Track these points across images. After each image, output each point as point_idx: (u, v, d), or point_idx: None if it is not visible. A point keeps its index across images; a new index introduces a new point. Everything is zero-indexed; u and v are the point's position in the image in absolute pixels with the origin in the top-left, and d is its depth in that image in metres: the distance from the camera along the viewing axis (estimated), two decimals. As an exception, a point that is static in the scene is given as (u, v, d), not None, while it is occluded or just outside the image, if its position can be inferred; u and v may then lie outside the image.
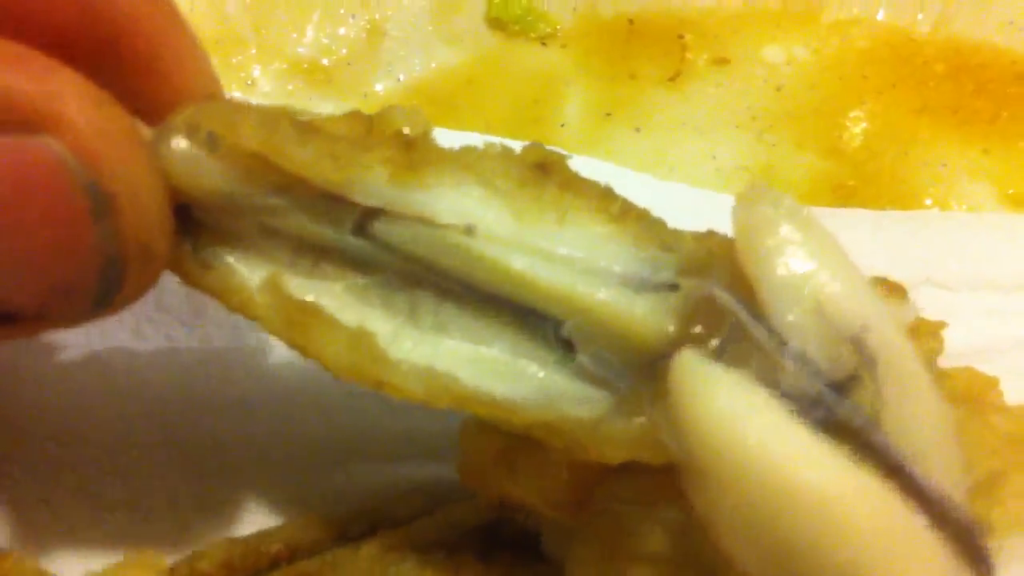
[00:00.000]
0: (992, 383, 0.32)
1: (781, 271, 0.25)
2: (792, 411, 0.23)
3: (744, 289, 0.25)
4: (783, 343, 0.24)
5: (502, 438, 0.29)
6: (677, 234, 0.27)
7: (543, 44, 0.50)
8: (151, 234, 0.25)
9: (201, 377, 0.38)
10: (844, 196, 0.46)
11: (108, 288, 0.25)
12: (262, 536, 0.33)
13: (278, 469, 0.37)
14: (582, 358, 0.27)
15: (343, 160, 0.26)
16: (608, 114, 0.48)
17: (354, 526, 0.34)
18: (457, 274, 0.27)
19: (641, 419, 0.25)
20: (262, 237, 0.28)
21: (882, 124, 0.48)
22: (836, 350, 0.24)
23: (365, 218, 0.27)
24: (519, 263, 0.26)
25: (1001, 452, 0.31)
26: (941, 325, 0.32)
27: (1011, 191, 0.46)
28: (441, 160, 0.27)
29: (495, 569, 0.32)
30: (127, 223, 0.24)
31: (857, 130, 0.48)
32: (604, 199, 0.27)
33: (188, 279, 0.28)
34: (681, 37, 0.51)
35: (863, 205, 0.45)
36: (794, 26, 0.51)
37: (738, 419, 0.23)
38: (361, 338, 0.27)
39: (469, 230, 0.26)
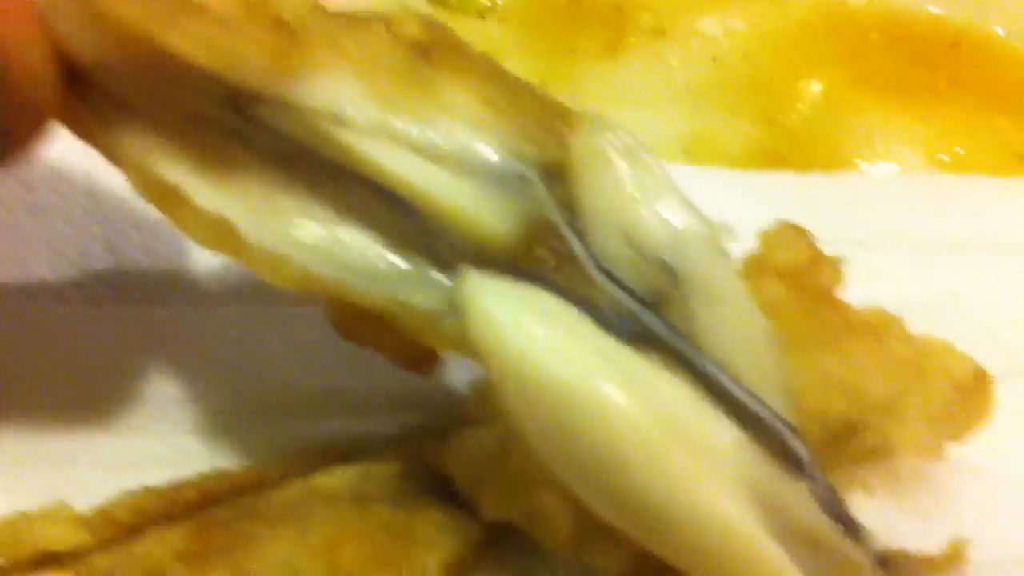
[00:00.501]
0: (897, 320, 0.33)
1: (602, 199, 0.28)
2: (594, 323, 0.27)
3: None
4: (599, 265, 0.27)
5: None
6: (547, 122, 0.28)
7: (482, 18, 0.51)
8: (35, 86, 0.26)
9: (126, 336, 0.38)
10: (776, 162, 0.46)
11: None
12: (176, 484, 0.33)
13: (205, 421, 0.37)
14: (432, 250, 0.28)
15: (219, 47, 0.27)
16: (545, 87, 0.49)
17: (268, 477, 0.34)
18: (328, 161, 0.28)
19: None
20: (149, 105, 0.29)
21: (817, 94, 0.49)
22: (644, 271, 0.27)
23: (242, 100, 0.28)
24: (380, 154, 0.27)
25: (900, 376, 0.31)
26: (839, 259, 0.33)
27: (941, 155, 0.47)
28: (316, 45, 0.28)
29: (402, 512, 0.32)
30: (11, 77, 0.25)
31: (791, 99, 0.49)
32: (484, 80, 0.28)
33: (82, 135, 0.30)
34: (619, 9, 0.51)
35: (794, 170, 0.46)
36: None
37: (522, 330, 0.26)
38: (221, 225, 0.27)
39: (338, 119, 0.27)
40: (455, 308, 0.27)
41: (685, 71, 0.50)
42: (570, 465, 0.27)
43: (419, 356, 0.32)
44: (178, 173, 0.29)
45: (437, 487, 0.32)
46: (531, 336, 0.26)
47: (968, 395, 0.32)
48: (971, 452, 0.34)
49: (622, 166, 0.28)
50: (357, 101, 0.28)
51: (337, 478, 0.33)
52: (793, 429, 0.28)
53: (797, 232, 0.33)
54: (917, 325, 0.33)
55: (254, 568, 0.31)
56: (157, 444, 0.36)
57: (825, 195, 0.43)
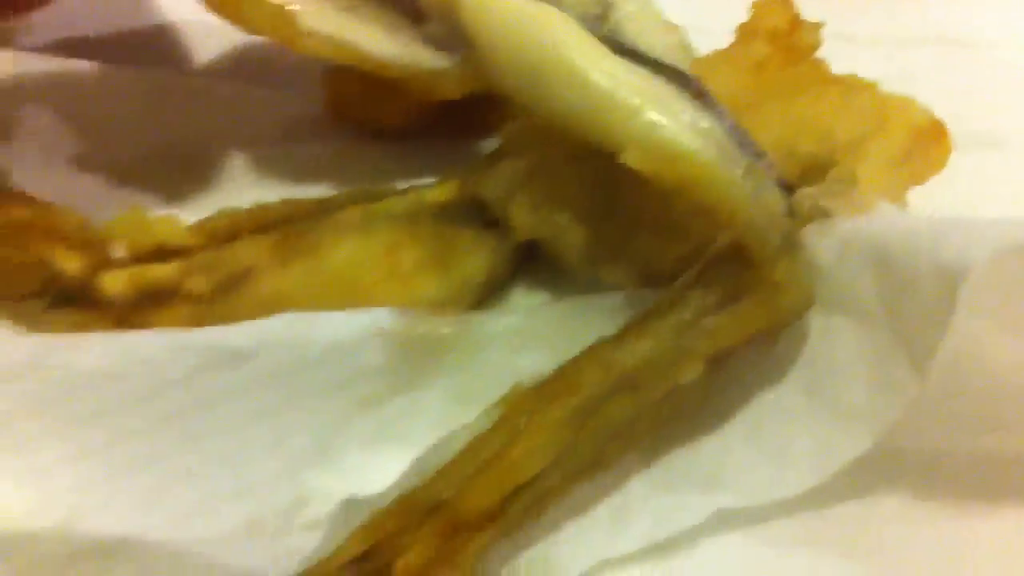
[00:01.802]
0: (865, 80, 0.39)
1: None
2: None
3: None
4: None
5: (361, 82, 0.39)
6: None
7: None
8: None
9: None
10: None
11: None
12: (262, 205, 0.40)
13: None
14: (432, 28, 0.37)
15: None
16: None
17: (336, 203, 0.40)
18: None
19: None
20: None
21: None
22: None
23: None
24: None
25: (865, 122, 0.38)
26: (819, 25, 0.39)
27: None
28: None
29: (450, 229, 0.39)
30: None
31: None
32: None
33: None
34: None
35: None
36: None
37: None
38: (282, 14, 0.34)
39: None
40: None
41: None
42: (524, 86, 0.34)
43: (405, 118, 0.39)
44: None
45: (478, 213, 0.38)
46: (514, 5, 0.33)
47: (926, 142, 0.38)
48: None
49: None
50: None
51: (393, 203, 0.39)
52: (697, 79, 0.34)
53: (783, 2, 0.39)
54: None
55: (327, 265, 0.37)
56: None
57: None
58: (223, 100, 0.44)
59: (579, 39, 0.32)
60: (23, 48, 0.44)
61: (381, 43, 0.37)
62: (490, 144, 0.41)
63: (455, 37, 0.36)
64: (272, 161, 0.43)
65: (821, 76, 0.38)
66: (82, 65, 0.44)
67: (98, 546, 0.31)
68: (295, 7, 0.36)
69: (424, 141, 0.43)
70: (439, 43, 0.37)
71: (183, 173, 0.42)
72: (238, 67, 0.45)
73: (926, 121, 0.38)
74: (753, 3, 0.39)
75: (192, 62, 0.46)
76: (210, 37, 0.46)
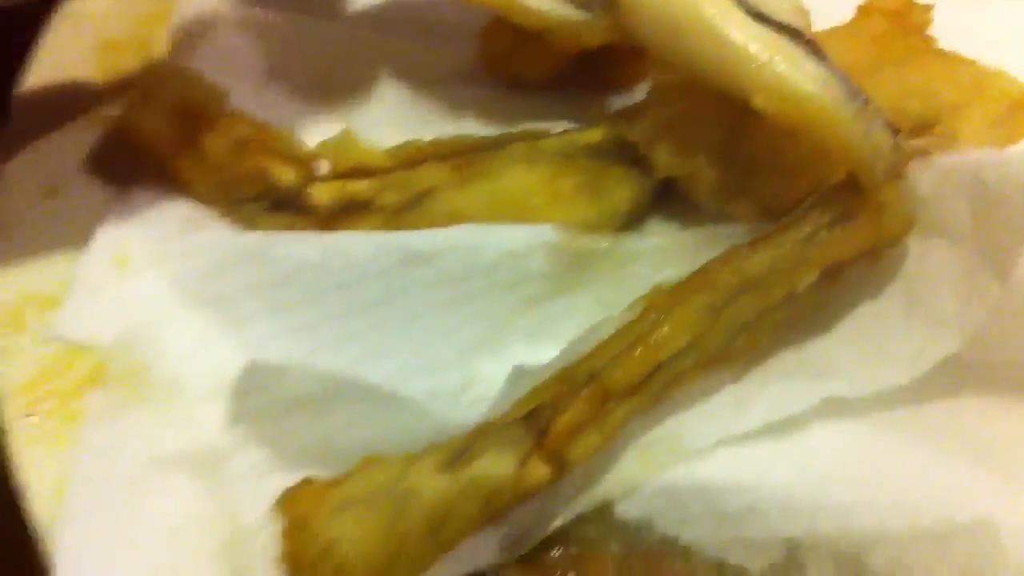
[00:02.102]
0: (965, 56, 0.45)
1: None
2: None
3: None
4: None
5: (511, 36, 0.46)
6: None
7: None
8: None
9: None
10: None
11: None
12: (441, 140, 0.46)
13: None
14: None
15: None
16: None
17: (503, 140, 0.47)
18: None
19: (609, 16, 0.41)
20: None
21: None
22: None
23: None
24: None
25: (967, 89, 0.44)
26: (930, 6, 0.45)
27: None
28: None
29: (601, 163, 0.45)
30: None
31: None
32: None
33: None
34: None
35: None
36: None
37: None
38: None
39: None
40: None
41: None
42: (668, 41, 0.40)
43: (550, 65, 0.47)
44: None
45: (624, 152, 0.45)
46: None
47: (1017, 109, 0.44)
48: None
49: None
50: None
51: (552, 141, 0.45)
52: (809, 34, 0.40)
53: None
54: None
55: (498, 187, 0.44)
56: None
57: None
58: (392, 52, 0.51)
59: (718, 3, 0.39)
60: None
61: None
62: (622, 99, 0.48)
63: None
64: (435, 102, 0.49)
65: (929, 49, 0.44)
66: (274, 15, 0.51)
67: (307, 397, 0.38)
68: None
69: (565, 93, 0.49)
70: (584, 2, 0.44)
71: (359, 108, 0.49)
72: (404, 23, 0.53)
73: (1018, 91, 0.43)
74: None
75: (367, 18, 0.53)
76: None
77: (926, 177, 0.39)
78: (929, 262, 0.39)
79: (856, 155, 0.37)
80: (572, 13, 0.44)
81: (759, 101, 0.37)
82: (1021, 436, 0.38)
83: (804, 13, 0.41)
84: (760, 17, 0.39)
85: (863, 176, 0.37)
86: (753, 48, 0.38)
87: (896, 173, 0.37)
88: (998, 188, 0.36)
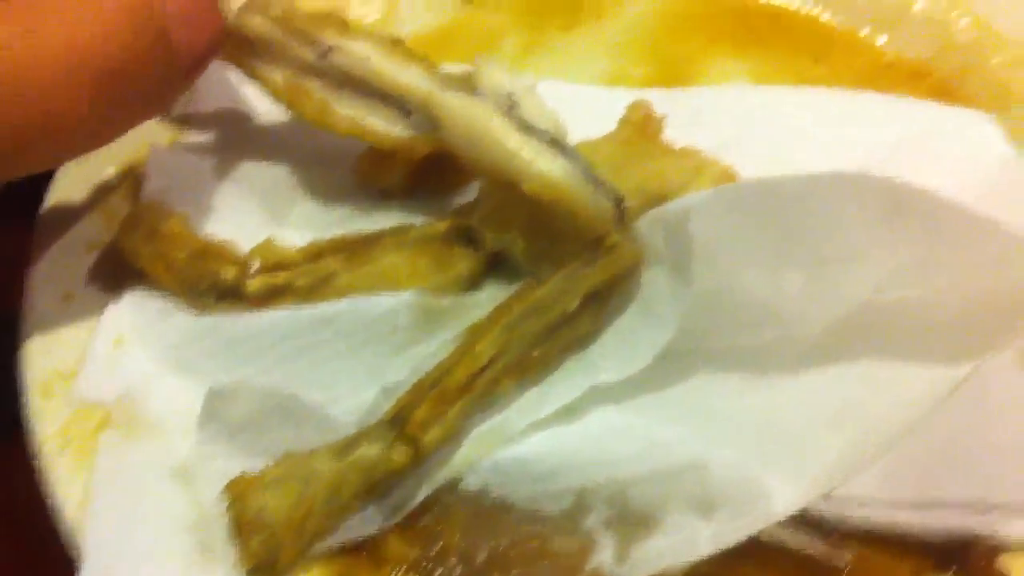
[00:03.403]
0: (691, 148, 0.65)
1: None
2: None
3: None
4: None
5: (375, 154, 0.62)
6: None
7: (483, 7, 0.81)
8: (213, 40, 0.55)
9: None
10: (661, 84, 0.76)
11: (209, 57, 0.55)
12: (335, 239, 0.64)
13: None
14: (413, 117, 0.59)
15: (323, 26, 0.60)
16: (527, 51, 0.79)
17: (378, 234, 0.65)
18: (365, 79, 0.59)
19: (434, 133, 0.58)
20: (279, 57, 0.61)
21: (689, 47, 0.77)
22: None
23: (327, 51, 0.59)
24: (394, 75, 0.60)
25: (688, 171, 0.63)
26: (663, 117, 0.65)
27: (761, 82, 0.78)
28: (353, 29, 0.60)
29: (448, 245, 0.63)
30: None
31: (674, 50, 0.78)
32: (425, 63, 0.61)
33: (243, 68, 0.61)
34: (576, 2, 0.81)
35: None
36: None
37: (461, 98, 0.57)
38: (324, 104, 0.59)
39: (365, 58, 0.59)
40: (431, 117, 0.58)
41: (614, 37, 0.78)
42: (468, 149, 0.57)
43: (399, 178, 0.63)
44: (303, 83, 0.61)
45: (464, 236, 0.58)
46: (461, 103, 0.57)
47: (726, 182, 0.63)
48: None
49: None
50: (380, 51, 0.60)
51: (413, 232, 0.59)
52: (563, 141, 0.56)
53: (641, 103, 0.64)
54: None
55: (376, 269, 0.61)
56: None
57: (685, 99, 0.71)
58: (302, 175, 0.68)
59: (499, 122, 0.54)
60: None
61: (382, 124, 0.59)
62: (470, 191, 0.63)
63: (428, 122, 0.58)
64: (333, 211, 0.65)
65: (663, 147, 0.62)
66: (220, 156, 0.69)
67: (251, 419, 0.56)
68: (331, 101, 0.62)
69: (420, 197, 0.64)
70: (418, 126, 0.58)
71: (280, 220, 0.66)
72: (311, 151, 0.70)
73: (722, 171, 0.60)
74: (627, 105, 0.65)
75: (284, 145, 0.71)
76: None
77: (645, 224, 0.55)
78: (652, 281, 0.56)
79: (588, 214, 0.55)
80: (409, 132, 0.59)
81: (525, 185, 0.55)
82: (726, 401, 0.56)
83: (560, 126, 0.57)
84: (529, 130, 0.55)
85: (596, 230, 0.55)
86: (523, 152, 0.54)
87: (620, 226, 0.56)
88: (676, 223, 0.54)
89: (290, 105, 0.62)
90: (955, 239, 0.50)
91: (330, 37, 0.61)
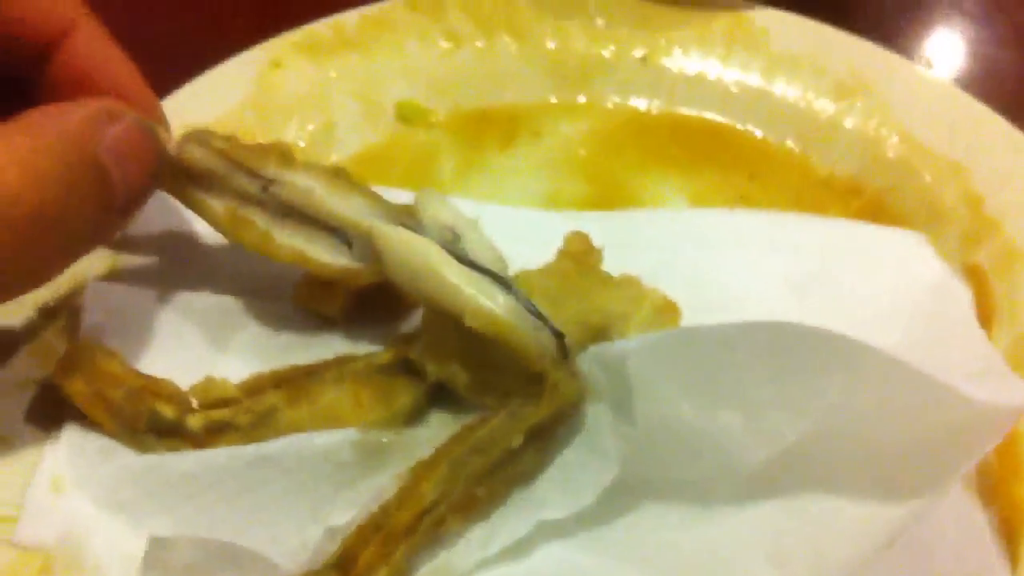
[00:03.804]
0: (631, 277, 0.66)
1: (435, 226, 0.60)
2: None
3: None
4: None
5: (314, 284, 0.63)
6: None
7: (429, 127, 0.81)
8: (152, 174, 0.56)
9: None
10: (598, 208, 0.77)
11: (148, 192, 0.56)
12: (276, 372, 0.65)
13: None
14: (355, 248, 0.60)
15: (265, 157, 0.61)
16: (467, 169, 0.81)
17: (321, 366, 0.66)
18: (307, 210, 0.60)
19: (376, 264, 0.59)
20: (220, 188, 0.61)
21: (626, 165, 0.80)
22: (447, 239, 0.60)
23: (269, 183, 0.60)
24: (336, 207, 0.61)
25: (628, 302, 0.63)
26: (601, 248, 0.66)
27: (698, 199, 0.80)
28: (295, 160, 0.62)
29: (391, 377, 0.64)
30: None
31: (610, 168, 0.81)
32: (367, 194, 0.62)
33: (183, 200, 0.62)
34: (512, 119, 0.82)
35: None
36: (580, 111, 0.85)
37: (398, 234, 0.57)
38: (266, 234, 0.59)
39: (308, 190, 0.60)
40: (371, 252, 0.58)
41: (550, 155, 0.79)
42: (409, 282, 0.57)
43: (339, 305, 0.63)
44: (244, 214, 0.62)
45: (407, 367, 0.58)
46: (403, 237, 0.58)
47: (664, 313, 0.65)
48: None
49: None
50: (320, 183, 0.62)
51: (355, 363, 0.60)
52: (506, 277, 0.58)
53: (581, 235, 0.64)
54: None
55: (317, 404, 0.61)
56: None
57: (620, 223, 0.74)
58: (239, 308, 0.69)
59: (440, 256, 0.55)
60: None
61: (324, 254, 0.60)
62: (412, 319, 0.64)
63: (369, 254, 0.58)
64: (271, 340, 0.66)
65: (601, 278, 0.62)
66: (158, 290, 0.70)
67: (192, 564, 0.56)
68: (273, 231, 0.63)
69: (359, 323, 0.65)
70: (360, 257, 0.59)
71: (217, 355, 0.66)
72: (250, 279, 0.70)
73: (662, 300, 0.62)
74: (564, 236, 0.66)
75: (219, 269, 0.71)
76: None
77: (584, 362, 0.57)
78: (595, 417, 0.56)
79: (531, 352, 0.55)
80: (352, 263, 0.60)
81: (467, 320, 0.55)
82: (670, 536, 0.56)
83: (502, 259, 0.58)
84: (471, 264, 0.56)
85: (538, 366, 0.56)
86: (465, 287, 0.55)
87: (561, 363, 0.56)
88: (615, 362, 0.54)
89: (231, 235, 0.62)
90: (880, 386, 0.51)
91: (272, 169, 0.62)
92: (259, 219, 0.62)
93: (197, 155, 0.62)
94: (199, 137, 0.62)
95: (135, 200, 0.54)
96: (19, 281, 0.50)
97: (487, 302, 0.56)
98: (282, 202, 0.62)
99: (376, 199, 0.62)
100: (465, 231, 0.60)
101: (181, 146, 0.61)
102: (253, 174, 0.62)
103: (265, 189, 0.62)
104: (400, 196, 0.62)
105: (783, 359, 0.51)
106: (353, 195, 0.62)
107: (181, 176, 0.62)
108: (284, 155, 0.62)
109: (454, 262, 0.57)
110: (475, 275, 0.57)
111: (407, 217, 0.60)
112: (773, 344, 0.51)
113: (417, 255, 0.58)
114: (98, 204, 0.50)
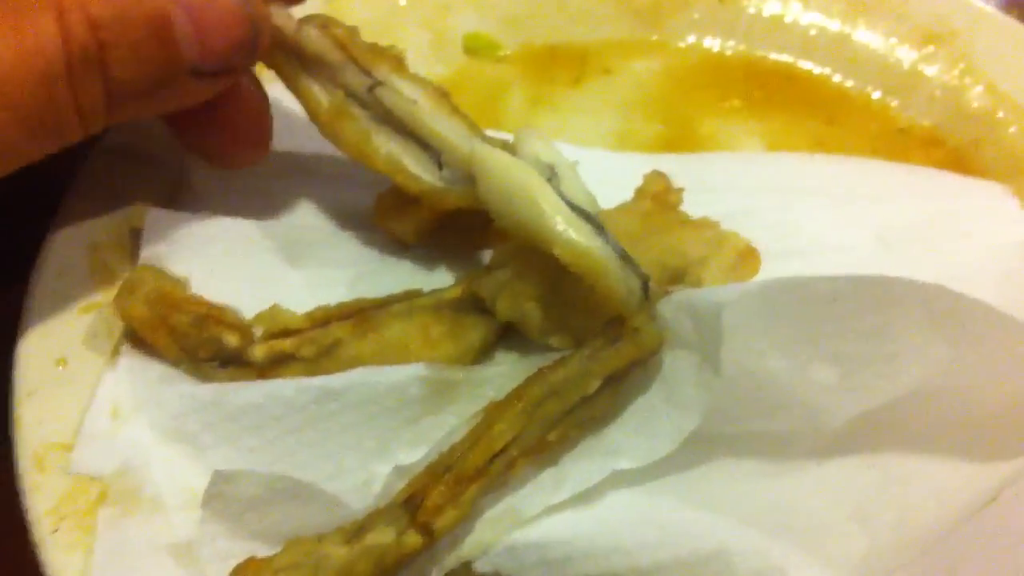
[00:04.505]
0: (710, 220, 0.63)
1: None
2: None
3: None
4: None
5: (397, 197, 0.61)
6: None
7: (498, 62, 0.80)
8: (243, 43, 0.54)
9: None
10: (671, 148, 0.75)
11: (254, 46, 0.54)
12: (341, 304, 0.62)
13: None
14: (445, 170, 0.59)
15: (378, 59, 0.59)
16: (537, 104, 0.79)
17: (389, 300, 0.63)
18: (408, 122, 0.59)
19: (467, 188, 0.57)
20: (328, 78, 0.60)
21: (699, 107, 0.79)
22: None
23: (376, 84, 0.59)
24: (438, 125, 0.59)
25: (708, 246, 0.61)
26: (681, 189, 0.64)
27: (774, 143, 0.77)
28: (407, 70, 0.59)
29: (460, 314, 0.62)
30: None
31: (684, 110, 0.80)
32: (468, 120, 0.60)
33: (287, 82, 0.60)
34: (582, 57, 0.80)
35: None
36: (653, 49, 0.83)
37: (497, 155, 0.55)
38: (366, 132, 0.59)
39: (413, 102, 0.58)
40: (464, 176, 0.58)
41: (622, 93, 0.78)
42: (505, 206, 0.55)
43: (423, 227, 0.62)
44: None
45: (476, 304, 0.58)
46: (505, 161, 0.56)
47: (745, 258, 0.62)
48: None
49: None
50: (425, 93, 0.60)
51: (424, 299, 0.59)
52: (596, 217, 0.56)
53: (659, 174, 0.63)
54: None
55: (385, 338, 0.59)
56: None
57: (698, 165, 0.72)
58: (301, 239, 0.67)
59: (541, 187, 0.54)
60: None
61: (417, 168, 0.59)
62: (481, 256, 0.63)
63: (463, 177, 0.58)
64: (338, 269, 0.65)
65: (681, 219, 0.61)
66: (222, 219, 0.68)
67: (254, 499, 0.54)
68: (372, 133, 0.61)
69: (438, 250, 0.63)
70: (450, 179, 0.58)
71: (283, 284, 0.64)
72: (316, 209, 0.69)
73: (744, 245, 0.60)
74: (644, 175, 0.64)
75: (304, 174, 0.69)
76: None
77: (668, 308, 0.54)
78: (674, 365, 0.54)
79: (617, 294, 0.53)
80: (443, 182, 0.59)
81: (557, 251, 0.53)
82: (749, 487, 0.54)
83: (595, 203, 0.57)
84: (564, 198, 0.55)
85: (621, 309, 0.54)
86: (559, 218, 0.54)
87: (645, 307, 0.54)
88: (706, 309, 0.52)
89: (328, 127, 0.60)
90: (989, 342, 0.49)
91: (384, 71, 0.60)
92: (360, 117, 0.60)
93: (313, 37, 0.60)
94: (321, 20, 0.60)
95: (219, 67, 0.52)
96: (77, 125, 0.50)
97: (579, 236, 0.54)
98: (385, 108, 0.60)
99: (476, 127, 0.60)
100: (563, 170, 0.58)
101: (300, 26, 0.59)
102: (364, 71, 0.60)
103: (371, 90, 0.60)
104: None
105: (888, 314, 0.49)
106: (455, 117, 0.60)
107: (292, 57, 0.60)
108: (397, 61, 0.61)
109: (553, 193, 0.55)
110: (569, 210, 0.55)
111: (506, 149, 0.57)
112: (879, 299, 0.49)
113: (518, 180, 0.55)
114: (159, 58, 0.49)
